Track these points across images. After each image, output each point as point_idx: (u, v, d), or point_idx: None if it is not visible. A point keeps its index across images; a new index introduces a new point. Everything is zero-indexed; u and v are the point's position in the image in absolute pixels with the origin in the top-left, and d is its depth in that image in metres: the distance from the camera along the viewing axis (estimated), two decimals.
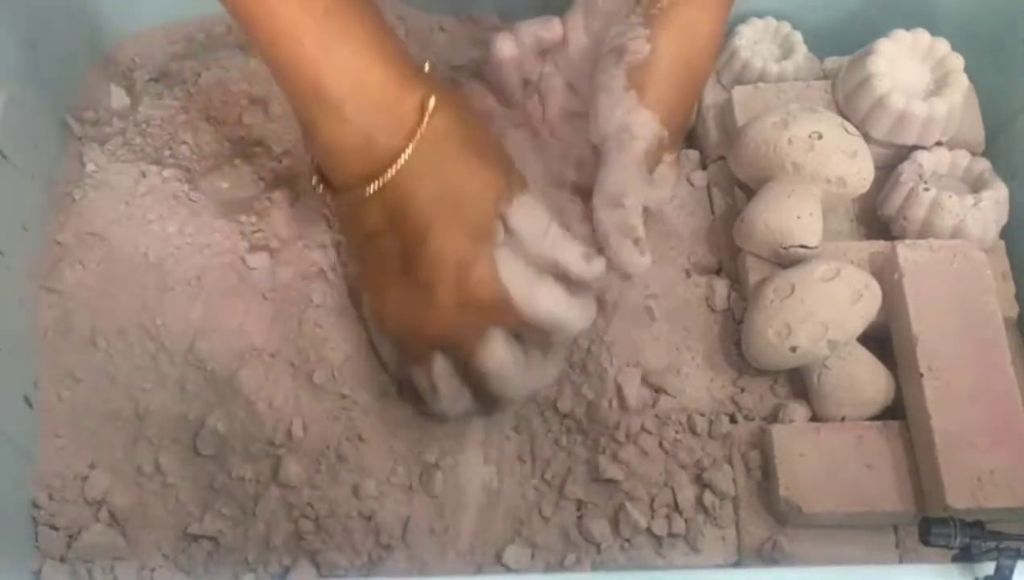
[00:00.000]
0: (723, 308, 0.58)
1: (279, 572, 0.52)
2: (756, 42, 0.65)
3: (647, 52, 0.54)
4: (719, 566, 0.53)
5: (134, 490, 0.54)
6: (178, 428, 0.55)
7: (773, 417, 0.55)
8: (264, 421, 0.54)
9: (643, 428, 0.54)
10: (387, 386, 0.56)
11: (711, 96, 0.65)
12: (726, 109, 0.63)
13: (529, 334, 0.52)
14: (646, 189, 0.54)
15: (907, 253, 0.55)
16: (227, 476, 0.54)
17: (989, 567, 0.39)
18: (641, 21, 0.55)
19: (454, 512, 0.54)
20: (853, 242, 0.59)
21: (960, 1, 0.64)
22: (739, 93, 0.62)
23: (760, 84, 0.63)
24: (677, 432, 0.55)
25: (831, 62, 0.64)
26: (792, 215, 0.55)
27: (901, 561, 0.52)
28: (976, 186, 0.59)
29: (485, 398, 0.54)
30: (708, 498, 0.53)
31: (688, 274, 0.59)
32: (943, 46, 0.60)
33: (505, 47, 0.58)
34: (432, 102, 0.48)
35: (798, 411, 0.54)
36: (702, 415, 0.55)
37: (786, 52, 0.65)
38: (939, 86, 0.59)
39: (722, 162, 0.62)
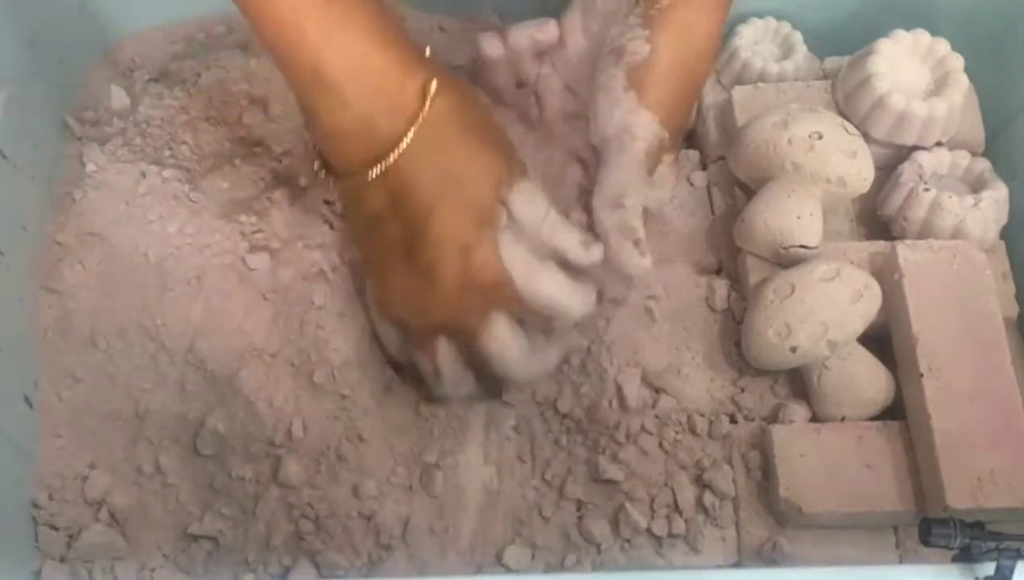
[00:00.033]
0: (723, 308, 0.58)
1: (279, 572, 0.52)
2: (756, 42, 0.65)
3: (646, 53, 0.54)
4: (719, 566, 0.53)
5: (134, 490, 0.54)
6: (178, 428, 0.55)
7: (773, 417, 0.55)
8: (264, 421, 0.54)
9: (643, 428, 0.54)
10: (387, 386, 0.56)
11: (711, 96, 0.65)
12: (726, 109, 0.63)
13: (530, 319, 0.52)
14: (646, 190, 0.54)
15: (907, 253, 0.55)
16: (227, 476, 0.54)
17: (989, 567, 0.39)
18: (640, 22, 0.55)
19: (454, 512, 0.54)
20: (853, 242, 0.59)
21: (960, 1, 0.64)
22: (739, 93, 0.62)
23: (760, 84, 0.63)
24: (677, 432, 0.55)
25: (831, 62, 0.64)
26: (792, 215, 0.55)
27: (901, 561, 0.52)
28: (976, 186, 0.59)
29: (488, 382, 0.54)
30: (708, 498, 0.53)
31: (688, 274, 0.59)
32: (943, 46, 0.60)
33: (491, 47, 0.58)
34: (433, 86, 0.48)
35: (798, 411, 0.54)
36: (702, 415, 0.55)
37: (786, 52, 0.65)
38: (939, 86, 0.59)
39: (722, 162, 0.62)
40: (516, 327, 0.52)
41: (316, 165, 0.52)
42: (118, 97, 0.64)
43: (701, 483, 0.54)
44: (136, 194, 0.59)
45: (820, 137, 0.55)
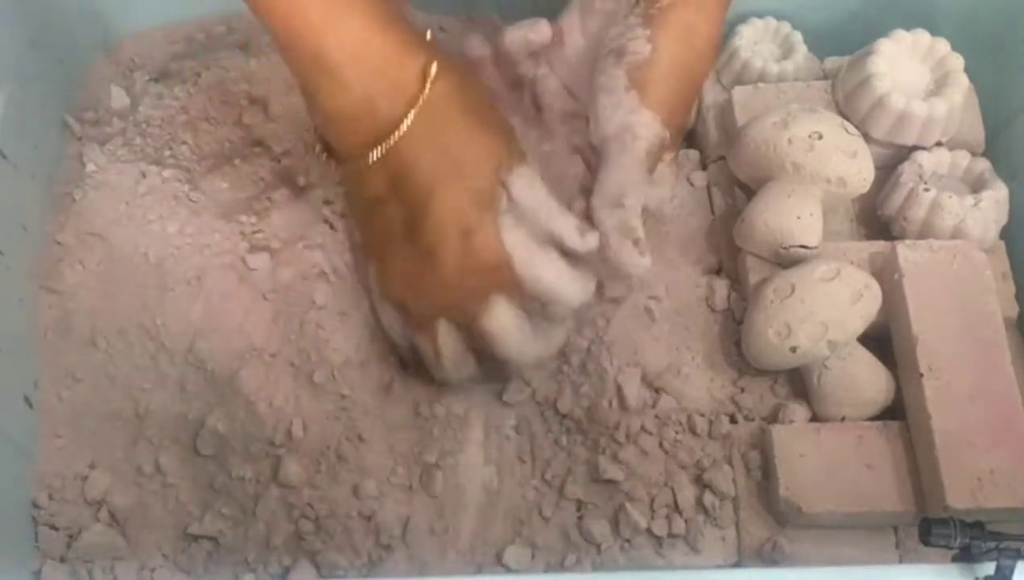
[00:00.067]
0: (723, 308, 0.58)
1: (279, 572, 0.52)
2: (756, 42, 0.65)
3: (647, 52, 0.54)
4: (719, 566, 0.53)
5: (134, 490, 0.54)
6: (178, 428, 0.55)
7: (773, 417, 0.55)
8: (264, 421, 0.54)
9: (643, 428, 0.54)
10: (387, 386, 0.56)
11: (711, 96, 0.65)
12: (726, 109, 0.63)
13: (530, 305, 0.52)
14: (646, 189, 0.54)
15: (907, 253, 0.55)
16: (227, 476, 0.54)
17: (989, 567, 0.39)
18: (640, 22, 0.55)
19: (454, 512, 0.54)
20: (853, 242, 0.59)
21: (960, 1, 0.64)
22: (739, 93, 0.62)
23: (760, 84, 0.63)
24: (677, 432, 0.55)
25: (831, 62, 0.64)
26: (792, 215, 0.55)
27: (901, 561, 0.52)
28: (976, 186, 0.59)
29: (489, 365, 0.54)
30: (708, 498, 0.53)
31: (688, 274, 0.59)
32: (943, 46, 0.60)
33: (473, 48, 0.59)
34: (434, 69, 0.48)
35: (798, 411, 0.54)
36: (702, 415, 0.55)
37: (786, 52, 0.65)
38: (939, 86, 0.59)
39: (722, 162, 0.62)
40: (517, 310, 0.52)
41: (318, 149, 0.53)
42: (118, 97, 0.64)
43: (701, 483, 0.54)
44: (136, 194, 0.59)
45: (820, 137, 0.55)
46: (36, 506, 0.53)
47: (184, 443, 0.55)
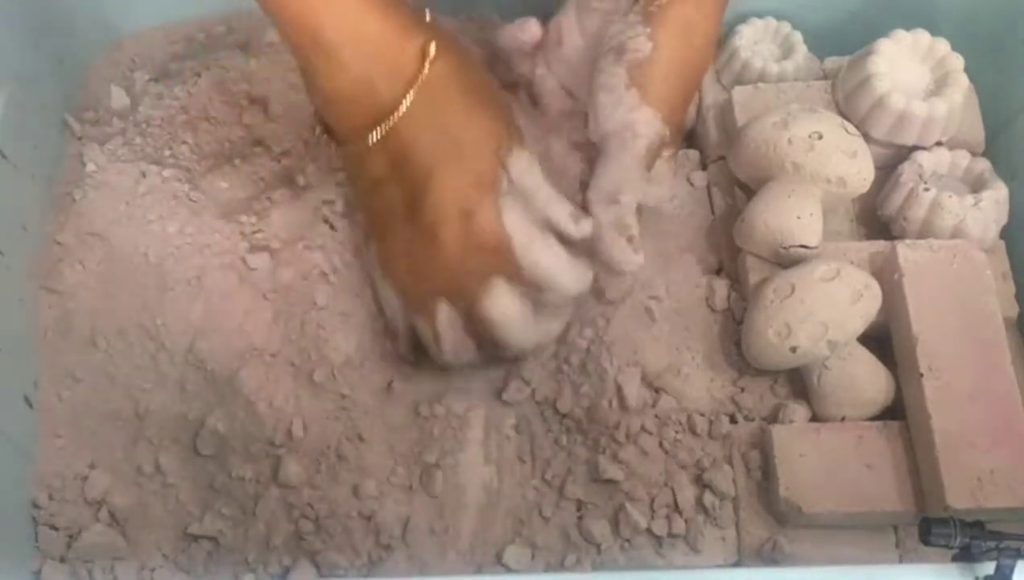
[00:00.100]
0: (723, 308, 0.58)
1: (279, 572, 0.52)
2: (756, 42, 0.65)
3: (648, 50, 0.54)
4: (719, 566, 0.53)
5: (134, 490, 0.54)
6: (178, 428, 0.55)
7: (773, 417, 0.55)
8: (264, 421, 0.54)
9: (643, 428, 0.54)
10: (387, 386, 0.56)
11: (711, 96, 0.65)
12: (726, 109, 0.63)
13: (528, 291, 0.52)
14: (644, 187, 0.54)
15: (907, 253, 0.55)
16: (227, 476, 0.54)
17: (989, 567, 0.39)
18: (640, 19, 0.55)
19: (454, 512, 0.54)
20: (853, 242, 0.59)
21: (960, 1, 0.64)
22: (739, 93, 0.62)
23: (760, 84, 0.63)
24: (677, 432, 0.55)
25: (831, 62, 0.64)
26: (792, 215, 0.55)
27: (901, 561, 0.52)
28: (976, 186, 0.59)
29: (489, 349, 0.54)
30: (708, 498, 0.53)
31: (688, 274, 0.59)
32: (943, 46, 0.60)
33: (530, 30, 0.58)
34: (432, 49, 0.48)
35: (798, 411, 0.54)
36: (702, 415, 0.55)
37: (786, 52, 0.65)
38: (939, 86, 0.59)
39: (722, 162, 0.62)
40: (517, 293, 0.52)
41: (318, 131, 0.53)
42: (118, 97, 0.65)
43: (701, 483, 0.54)
44: (136, 194, 0.59)
45: (820, 137, 0.55)
46: (36, 506, 0.53)
47: (184, 443, 0.55)
